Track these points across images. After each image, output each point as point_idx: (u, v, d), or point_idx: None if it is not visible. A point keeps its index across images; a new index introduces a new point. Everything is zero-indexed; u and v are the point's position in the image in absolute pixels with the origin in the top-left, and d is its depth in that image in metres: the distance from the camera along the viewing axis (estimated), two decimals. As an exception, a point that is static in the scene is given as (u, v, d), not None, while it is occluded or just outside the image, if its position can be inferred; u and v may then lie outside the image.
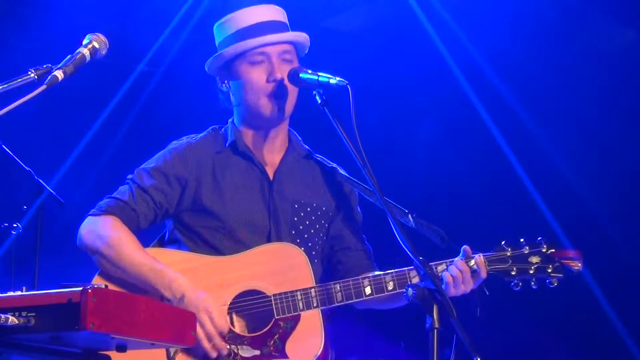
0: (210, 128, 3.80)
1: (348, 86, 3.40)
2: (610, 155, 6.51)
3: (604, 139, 6.53)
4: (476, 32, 6.60)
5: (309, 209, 3.73)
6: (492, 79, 6.62)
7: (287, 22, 3.74)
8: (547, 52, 6.53)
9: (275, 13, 3.72)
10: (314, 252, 3.70)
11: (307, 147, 3.84)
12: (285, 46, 3.66)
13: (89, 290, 2.44)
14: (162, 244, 3.75)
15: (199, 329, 3.39)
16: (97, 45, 3.09)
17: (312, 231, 3.72)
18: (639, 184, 6.44)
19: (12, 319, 2.47)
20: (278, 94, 3.61)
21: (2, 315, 2.46)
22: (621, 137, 6.51)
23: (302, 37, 3.72)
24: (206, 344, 3.41)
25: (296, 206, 3.71)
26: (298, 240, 3.66)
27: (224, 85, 3.73)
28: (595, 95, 6.55)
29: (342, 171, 3.80)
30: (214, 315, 3.42)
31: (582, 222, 6.32)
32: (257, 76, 3.63)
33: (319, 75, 3.50)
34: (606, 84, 6.50)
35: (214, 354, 3.43)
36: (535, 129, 6.63)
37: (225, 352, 3.45)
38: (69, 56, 3.02)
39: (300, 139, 3.84)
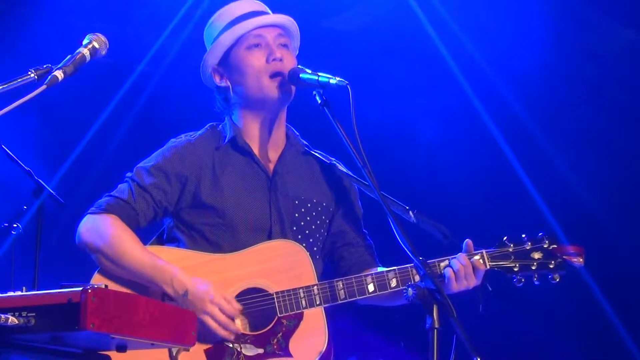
0: (207, 125, 3.79)
1: (348, 86, 3.40)
2: (610, 155, 6.52)
3: (604, 138, 6.53)
4: (476, 32, 6.60)
5: (309, 205, 3.72)
6: (491, 77, 6.62)
7: None
8: (546, 51, 6.53)
9: (265, 8, 3.78)
10: (315, 249, 3.69)
11: (305, 142, 3.84)
12: (280, 30, 3.69)
13: (89, 290, 2.44)
14: (160, 242, 3.74)
15: (211, 321, 3.40)
16: (97, 45, 3.09)
17: (314, 227, 3.71)
18: (639, 184, 6.45)
19: (12, 319, 2.47)
20: (280, 73, 3.61)
21: (2, 315, 2.46)
22: (621, 136, 6.51)
23: (295, 25, 3.73)
24: (223, 333, 3.43)
25: (297, 202, 3.70)
26: (299, 237, 3.65)
27: (222, 81, 3.72)
28: (595, 94, 6.56)
29: (341, 167, 3.79)
30: (222, 304, 3.42)
31: (581, 220, 6.32)
32: (256, 58, 3.63)
33: (319, 76, 3.50)
34: (606, 83, 6.50)
35: (232, 337, 3.45)
36: (535, 127, 6.64)
37: (240, 332, 3.46)
38: (69, 56, 3.03)
39: (297, 134, 3.83)
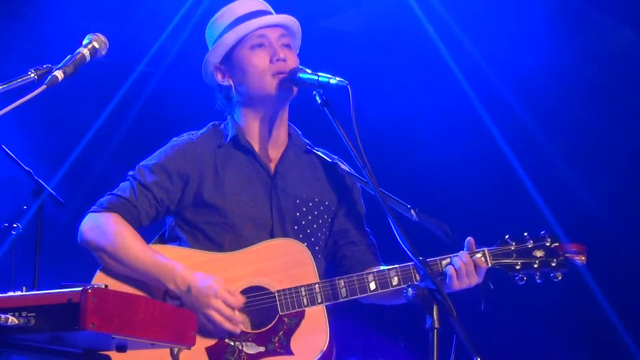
0: (209, 124, 3.80)
1: (348, 86, 3.41)
2: (610, 155, 6.52)
3: (604, 138, 6.53)
4: (476, 32, 6.60)
5: (311, 204, 3.73)
6: (492, 77, 6.62)
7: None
8: (547, 51, 6.53)
9: (267, 6, 3.78)
10: (317, 248, 3.70)
11: (307, 141, 3.84)
12: (283, 31, 3.70)
13: (89, 291, 2.44)
14: (162, 241, 3.75)
15: (216, 315, 3.41)
16: (97, 45, 3.09)
17: (315, 226, 3.71)
18: (639, 184, 6.45)
19: (12, 319, 2.47)
20: (283, 72, 3.61)
21: (2, 315, 2.46)
22: (621, 136, 6.51)
23: (297, 25, 3.74)
24: (228, 326, 3.44)
25: (298, 201, 3.70)
26: (301, 236, 3.66)
27: (225, 79, 3.73)
28: (595, 94, 6.55)
29: (343, 165, 3.80)
30: (226, 297, 3.43)
31: (581, 220, 6.32)
32: (260, 58, 3.64)
33: (319, 75, 3.50)
34: (606, 83, 6.50)
35: (238, 330, 3.45)
36: (535, 127, 6.63)
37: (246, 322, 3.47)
38: (69, 56, 3.03)
39: (300, 133, 3.84)
